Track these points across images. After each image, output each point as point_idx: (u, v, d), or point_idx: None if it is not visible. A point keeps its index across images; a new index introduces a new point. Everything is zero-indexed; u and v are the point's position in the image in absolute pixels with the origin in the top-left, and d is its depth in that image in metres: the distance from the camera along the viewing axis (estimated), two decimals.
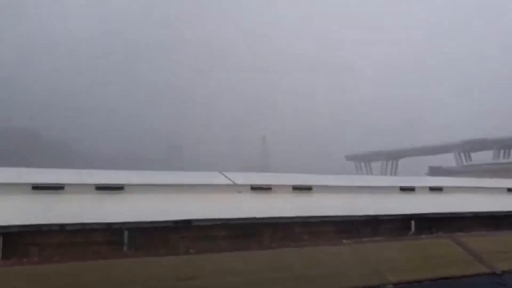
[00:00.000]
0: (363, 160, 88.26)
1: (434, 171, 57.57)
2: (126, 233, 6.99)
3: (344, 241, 7.02)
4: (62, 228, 6.67)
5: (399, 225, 9.21)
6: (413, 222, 9.25)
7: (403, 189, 11.25)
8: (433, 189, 11.69)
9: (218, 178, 9.87)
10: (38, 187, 7.63)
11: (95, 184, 8.10)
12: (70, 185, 7.87)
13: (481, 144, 70.19)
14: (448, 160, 70.43)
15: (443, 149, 75.32)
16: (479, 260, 6.74)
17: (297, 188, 9.93)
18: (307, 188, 10.01)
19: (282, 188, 9.76)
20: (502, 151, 69.26)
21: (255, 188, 9.48)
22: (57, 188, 7.74)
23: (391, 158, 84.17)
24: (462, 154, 72.87)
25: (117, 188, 8.18)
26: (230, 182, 9.56)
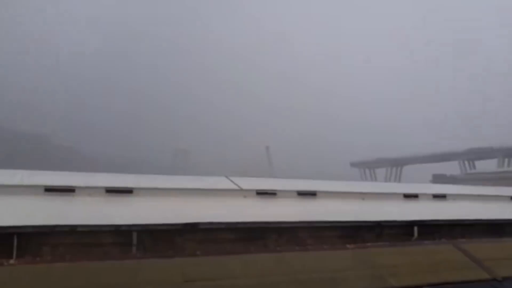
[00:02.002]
0: (368, 167, 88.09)
1: (438, 178, 57.36)
2: (134, 235, 7.12)
3: (348, 246, 7.16)
4: (73, 229, 6.82)
5: (402, 231, 9.28)
6: (416, 228, 9.32)
7: (407, 196, 11.30)
8: (436, 196, 11.72)
9: (224, 183, 9.99)
10: (50, 189, 7.77)
11: (105, 187, 8.23)
12: (81, 188, 8.01)
13: (486, 152, 69.85)
14: (452, 168, 70.08)
15: (447, 157, 75.04)
16: (480, 266, 6.86)
17: (302, 194, 10.01)
18: (311, 194, 10.10)
19: (287, 193, 9.86)
20: (506, 160, 68.86)
21: (260, 193, 9.57)
22: (68, 190, 7.88)
23: (396, 165, 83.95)
24: (466, 162, 72.53)
25: (126, 191, 8.31)
26: (236, 187, 9.68)
